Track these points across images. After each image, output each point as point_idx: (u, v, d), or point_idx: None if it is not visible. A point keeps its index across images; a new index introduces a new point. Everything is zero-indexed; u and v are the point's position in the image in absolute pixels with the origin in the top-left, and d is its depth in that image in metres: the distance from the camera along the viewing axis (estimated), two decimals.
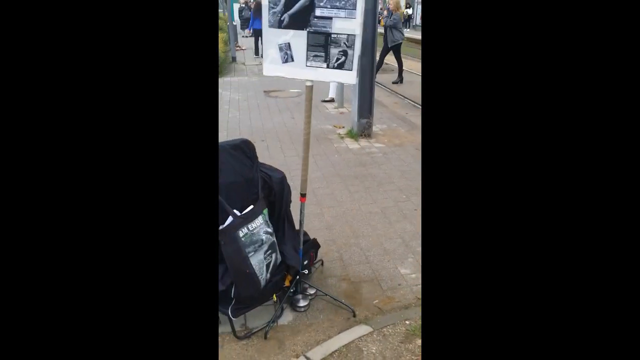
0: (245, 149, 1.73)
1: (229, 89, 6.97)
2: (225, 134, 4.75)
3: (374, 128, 4.84)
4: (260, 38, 11.30)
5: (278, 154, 4.18)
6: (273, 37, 1.67)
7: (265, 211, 1.75)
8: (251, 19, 10.05)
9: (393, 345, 1.85)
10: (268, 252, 1.72)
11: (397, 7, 7.10)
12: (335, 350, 1.80)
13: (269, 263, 1.74)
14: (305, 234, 2.34)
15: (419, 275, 2.32)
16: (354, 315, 2.01)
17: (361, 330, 1.92)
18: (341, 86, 5.82)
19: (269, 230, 1.74)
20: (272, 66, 1.72)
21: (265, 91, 6.93)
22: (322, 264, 2.40)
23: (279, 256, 1.82)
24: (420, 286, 2.24)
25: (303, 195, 1.94)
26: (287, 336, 1.90)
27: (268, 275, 1.76)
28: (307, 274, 2.13)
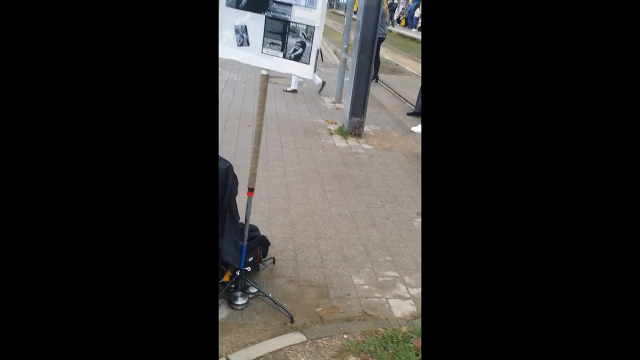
0: None
1: (230, 69, 6.85)
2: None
3: (367, 128, 4.72)
4: None
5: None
6: (229, 17, 1.55)
7: None
8: None
9: (324, 359, 1.75)
10: None
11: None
12: (261, 356, 1.71)
13: None
14: (256, 229, 2.24)
15: (372, 287, 2.22)
16: (292, 321, 1.92)
17: (294, 338, 1.83)
18: (341, 80, 5.68)
19: None
20: (227, 48, 1.60)
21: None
22: (273, 262, 2.31)
23: None
24: (369, 300, 2.14)
25: (251, 190, 1.84)
26: None
27: None
28: (250, 271, 2.03)
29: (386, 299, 2.16)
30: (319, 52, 1.52)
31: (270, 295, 2.04)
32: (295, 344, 1.80)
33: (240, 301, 1.96)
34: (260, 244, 2.10)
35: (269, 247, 2.41)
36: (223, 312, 1.93)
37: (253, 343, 1.78)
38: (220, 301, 1.96)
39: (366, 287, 2.24)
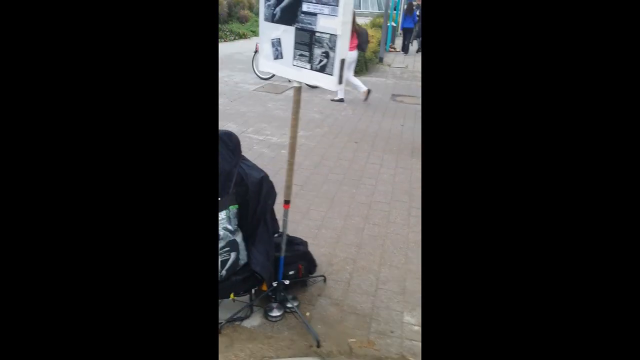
0: (227, 141, 1.71)
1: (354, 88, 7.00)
2: (327, 129, 4.81)
3: None
4: (409, 36, 11.08)
5: (362, 157, 4.02)
6: (267, 31, 1.59)
7: (233, 208, 1.71)
8: (402, 18, 9.77)
9: None
10: (225, 250, 1.68)
11: None
12: None
13: (225, 260, 1.70)
14: (302, 243, 2.20)
15: (421, 330, 1.93)
16: (318, 346, 1.81)
17: None
18: None
19: (230, 227, 1.69)
20: (266, 62, 1.65)
21: (393, 95, 6.72)
22: (324, 280, 2.23)
23: (242, 257, 1.76)
24: (413, 343, 1.87)
25: (286, 202, 1.82)
26: (241, 339, 1.83)
27: (224, 272, 1.73)
28: (290, 284, 2.00)
29: None
30: (343, 62, 1.42)
31: (302, 313, 1.97)
32: None
33: (275, 313, 1.95)
34: (302, 258, 2.06)
35: (326, 265, 2.35)
36: (256, 320, 1.94)
37: (270, 357, 1.75)
38: (256, 309, 1.99)
39: (416, 328, 1.96)
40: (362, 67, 8.33)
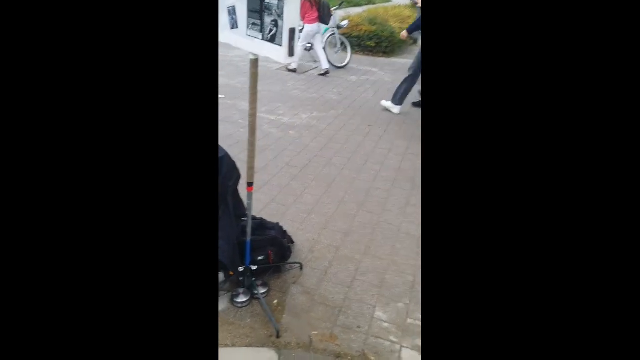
0: None
1: (381, 69, 6.70)
2: (341, 111, 4.63)
3: None
4: None
5: (372, 141, 3.83)
6: (224, 0, 1.47)
7: None
8: None
9: None
10: None
11: None
12: None
13: None
14: (274, 228, 2.11)
15: (392, 328, 1.80)
16: (278, 336, 1.73)
17: (265, 355, 1.64)
18: None
19: None
20: (223, 32, 1.53)
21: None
22: (300, 268, 2.13)
23: None
24: (378, 340, 1.74)
25: (249, 185, 1.72)
26: None
27: None
28: (258, 270, 1.93)
29: (401, 346, 1.71)
30: (293, 31, 1.28)
31: (269, 301, 1.89)
32: None
33: (241, 299, 1.88)
34: (272, 244, 1.96)
35: (306, 252, 2.25)
36: (222, 305, 1.89)
37: (225, 345, 1.69)
38: (223, 293, 1.93)
39: (385, 325, 1.83)
40: (394, 48, 7.98)
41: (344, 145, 3.74)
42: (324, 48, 6.42)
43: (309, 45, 6.67)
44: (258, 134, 3.87)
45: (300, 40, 6.07)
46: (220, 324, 1.79)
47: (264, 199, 2.79)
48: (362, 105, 4.92)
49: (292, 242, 2.32)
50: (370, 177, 3.17)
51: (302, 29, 5.95)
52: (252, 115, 1.56)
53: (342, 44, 6.72)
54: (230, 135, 3.76)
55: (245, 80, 5.64)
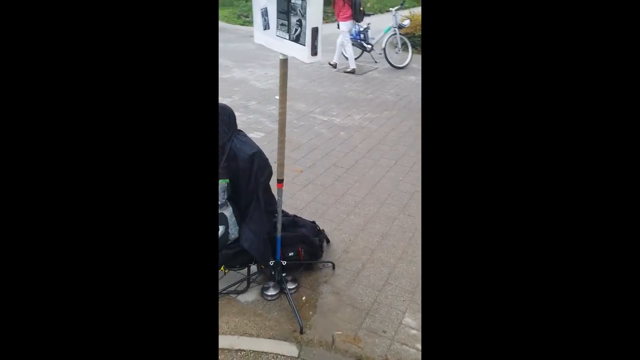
0: (222, 114, 1.70)
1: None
2: (395, 112, 4.54)
3: None
4: None
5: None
6: (256, 1, 1.52)
7: (223, 182, 1.70)
8: None
9: None
10: None
11: None
12: (242, 350, 1.66)
13: None
14: (306, 226, 2.12)
15: (419, 335, 1.73)
16: (301, 332, 1.75)
17: (287, 348, 1.67)
18: None
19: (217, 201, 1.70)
20: (257, 33, 1.59)
21: None
22: (332, 267, 2.13)
23: (232, 232, 1.76)
24: (403, 347, 1.69)
25: (279, 182, 1.76)
26: (231, 312, 1.87)
27: None
28: (288, 266, 1.96)
29: None
30: (316, 31, 1.29)
31: (296, 297, 1.92)
32: (283, 355, 1.64)
33: (271, 292, 1.94)
34: (302, 241, 1.99)
35: (340, 252, 2.25)
36: (252, 296, 1.96)
37: (250, 335, 1.75)
38: (254, 285, 2.00)
39: (413, 332, 1.76)
40: None
41: (394, 147, 3.67)
42: (383, 48, 6.37)
43: (370, 46, 6.62)
44: (309, 134, 3.94)
45: (344, 39, 6.30)
46: (248, 314, 1.85)
47: (306, 197, 2.83)
48: (418, 107, 4.78)
49: (328, 241, 2.33)
50: (415, 180, 3.08)
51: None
52: (282, 114, 1.60)
53: (404, 44, 6.58)
54: None
55: (304, 82, 5.75)
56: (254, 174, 1.71)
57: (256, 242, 1.78)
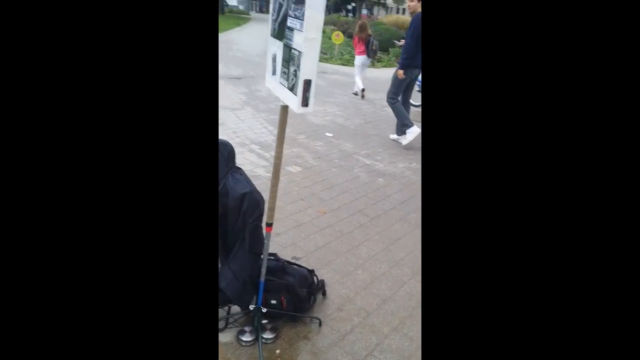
0: (223, 151, 1.71)
1: None
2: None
3: None
4: None
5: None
6: (270, 46, 1.53)
7: None
8: None
9: None
10: None
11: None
12: None
13: None
14: (294, 274, 2.02)
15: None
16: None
17: None
18: None
19: None
20: (267, 77, 1.59)
21: None
22: (319, 324, 2.00)
23: None
24: None
25: (268, 225, 1.71)
26: None
27: None
28: (268, 314, 1.87)
29: None
30: (308, 83, 1.25)
31: (268, 349, 1.81)
32: None
33: (246, 337, 1.85)
34: (285, 290, 1.89)
35: (334, 309, 2.11)
36: (227, 337, 1.88)
37: None
38: (233, 326, 1.93)
39: None
40: None
41: None
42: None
43: None
44: (346, 176, 3.88)
45: (356, 69, 7.58)
46: (218, 356, 1.78)
47: (320, 241, 2.74)
48: None
49: (324, 294, 2.21)
50: None
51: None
52: (277, 158, 1.57)
53: None
54: (319, 173, 3.84)
55: (360, 123, 5.76)
56: (242, 213, 1.68)
57: (234, 283, 1.72)
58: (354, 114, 6.22)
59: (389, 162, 4.35)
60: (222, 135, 4.54)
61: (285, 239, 2.72)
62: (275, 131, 4.93)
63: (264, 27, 16.91)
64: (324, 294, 2.21)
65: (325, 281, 2.29)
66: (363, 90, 7.36)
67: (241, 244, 1.73)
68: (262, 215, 1.78)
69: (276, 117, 5.49)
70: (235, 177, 1.71)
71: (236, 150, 4.36)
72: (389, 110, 6.42)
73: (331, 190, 3.53)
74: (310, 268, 2.22)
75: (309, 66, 1.23)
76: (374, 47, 7.35)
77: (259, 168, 3.79)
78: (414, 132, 4.73)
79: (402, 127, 4.84)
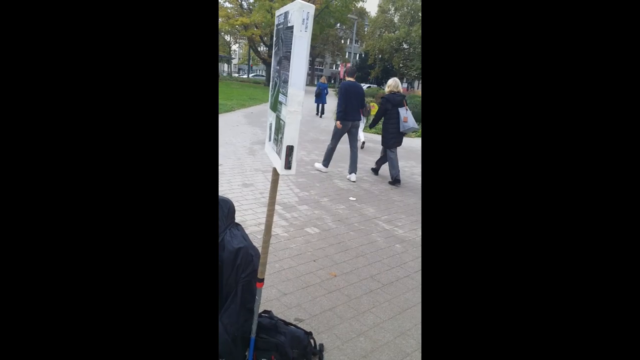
0: (223, 208, 1.84)
1: None
2: None
3: None
4: None
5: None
6: (268, 117, 1.72)
7: None
8: None
9: None
10: None
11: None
12: None
13: None
14: (286, 334, 2.00)
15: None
16: None
17: None
18: None
19: None
20: (266, 143, 1.76)
21: None
22: None
23: None
24: None
25: (259, 281, 1.77)
26: None
27: None
28: None
29: None
30: (290, 149, 1.38)
31: None
32: None
33: None
34: (275, 349, 1.88)
35: None
36: None
37: None
38: None
39: None
40: None
41: None
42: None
43: None
44: (362, 240, 3.89)
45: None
46: None
47: (325, 304, 2.72)
48: None
49: (321, 358, 2.16)
50: None
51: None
52: (269, 216, 1.67)
53: None
54: (336, 236, 3.88)
55: (386, 189, 5.83)
56: (235, 268, 1.77)
57: (224, 337, 1.76)
58: (381, 180, 6.32)
59: (409, 229, 4.32)
60: (249, 196, 4.79)
61: (292, 300, 2.73)
62: (301, 193, 5.13)
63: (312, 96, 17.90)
64: (321, 358, 2.16)
65: (325, 346, 2.25)
66: (363, 142, 8.92)
67: (233, 298, 1.79)
68: (256, 271, 1.85)
69: (304, 180, 5.70)
70: (233, 232, 1.82)
71: (260, 209, 4.52)
72: (417, 178, 6.47)
73: (345, 254, 3.54)
74: (308, 330, 2.21)
75: (291, 134, 1.38)
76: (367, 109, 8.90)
77: (278, 228, 3.91)
78: (322, 168, 6.45)
79: (325, 160, 6.42)
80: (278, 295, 2.75)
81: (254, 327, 1.81)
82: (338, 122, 5.88)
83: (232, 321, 1.78)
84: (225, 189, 4.96)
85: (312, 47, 43.17)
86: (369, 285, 3.04)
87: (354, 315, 2.65)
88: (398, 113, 5.83)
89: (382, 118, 5.99)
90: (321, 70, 65.49)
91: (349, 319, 2.59)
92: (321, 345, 2.21)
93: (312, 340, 2.17)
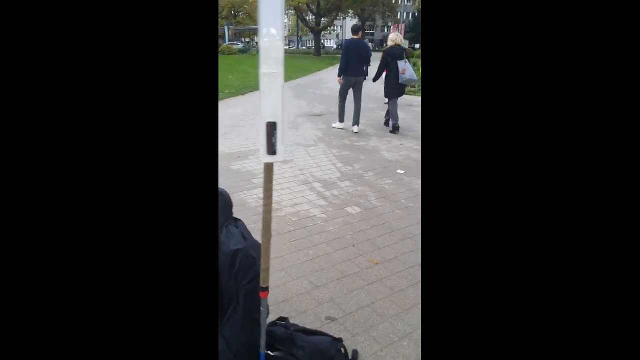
0: (219, 200, 1.51)
1: None
2: None
3: None
4: None
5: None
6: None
7: None
8: None
9: None
10: None
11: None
12: None
13: None
14: (303, 348, 1.68)
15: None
16: None
17: None
18: None
19: None
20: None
21: None
22: None
23: None
24: None
25: (263, 290, 1.44)
26: None
27: None
28: None
29: None
30: (272, 126, 1.00)
31: None
32: None
33: None
34: None
35: None
36: None
37: None
38: None
39: None
40: None
41: None
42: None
43: None
44: (410, 219, 3.45)
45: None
46: None
47: (363, 299, 2.37)
48: None
49: None
50: None
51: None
52: (267, 212, 1.33)
53: None
54: (380, 216, 3.47)
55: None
56: (234, 273, 1.46)
57: (227, 352, 1.48)
58: None
59: None
60: (287, 173, 4.49)
61: (324, 294, 2.41)
62: (344, 168, 4.74)
63: None
64: None
65: (359, 352, 1.92)
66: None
67: (235, 309, 1.50)
68: (257, 277, 1.53)
69: (348, 154, 5.29)
70: (230, 230, 1.51)
71: (298, 188, 4.21)
72: None
73: (390, 237, 3.13)
74: (338, 337, 1.88)
75: (271, 106, 1.00)
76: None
77: (315, 208, 3.58)
78: (338, 125, 6.50)
79: (340, 116, 6.48)
80: (309, 289, 2.45)
81: (263, 341, 1.51)
82: (339, 78, 6.17)
83: (235, 334, 1.50)
84: (262, 166, 4.72)
85: (361, 10, 41.25)
86: (416, 276, 2.63)
87: (397, 312, 2.27)
88: (397, 65, 5.99)
89: (385, 71, 6.20)
90: (372, 35, 62.84)
91: (390, 318, 2.22)
92: (355, 353, 1.88)
93: (342, 348, 1.85)
